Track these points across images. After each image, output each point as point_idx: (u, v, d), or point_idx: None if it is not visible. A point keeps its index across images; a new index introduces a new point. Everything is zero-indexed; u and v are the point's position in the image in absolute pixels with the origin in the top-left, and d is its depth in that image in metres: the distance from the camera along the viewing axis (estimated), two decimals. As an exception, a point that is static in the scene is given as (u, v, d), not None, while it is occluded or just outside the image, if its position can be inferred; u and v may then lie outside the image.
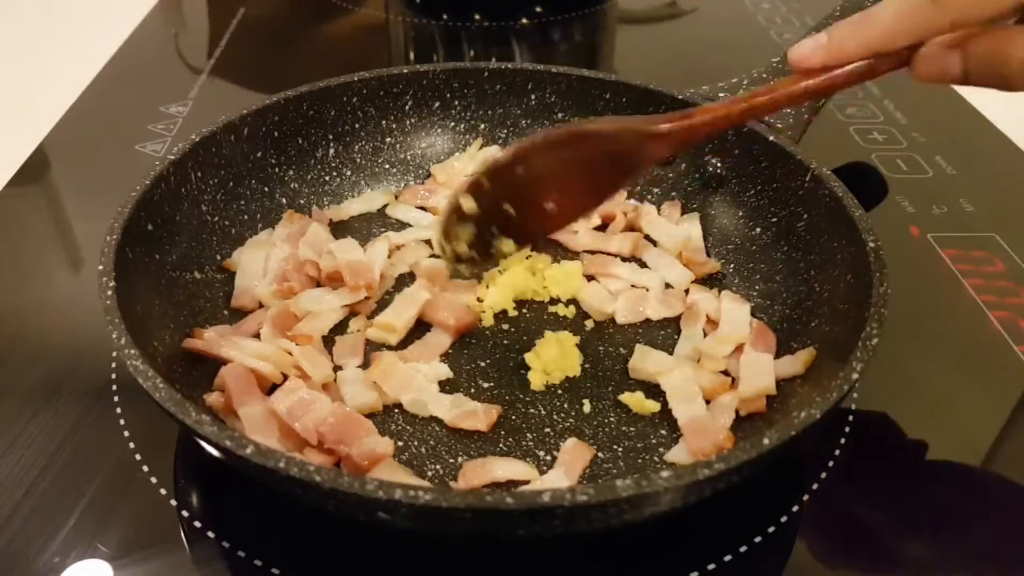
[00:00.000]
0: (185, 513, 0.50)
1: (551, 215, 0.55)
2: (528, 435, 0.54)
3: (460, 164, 0.76)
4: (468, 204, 0.55)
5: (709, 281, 0.66)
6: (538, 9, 1.13)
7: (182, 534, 0.49)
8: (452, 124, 0.77)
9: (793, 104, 0.51)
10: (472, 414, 0.54)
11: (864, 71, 0.47)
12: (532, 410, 0.56)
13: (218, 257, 0.65)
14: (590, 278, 0.66)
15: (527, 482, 0.51)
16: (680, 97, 0.71)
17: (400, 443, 0.53)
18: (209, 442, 0.41)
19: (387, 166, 0.76)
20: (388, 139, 0.75)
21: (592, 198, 0.55)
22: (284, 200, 0.71)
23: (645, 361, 0.58)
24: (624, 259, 0.68)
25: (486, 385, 0.58)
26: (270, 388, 0.55)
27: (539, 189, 0.54)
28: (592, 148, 0.52)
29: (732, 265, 0.67)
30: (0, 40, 1.07)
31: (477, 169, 0.54)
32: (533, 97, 0.76)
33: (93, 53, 1.01)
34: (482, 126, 0.77)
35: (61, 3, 1.17)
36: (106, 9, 1.14)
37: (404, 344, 0.60)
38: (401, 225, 0.72)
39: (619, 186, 0.56)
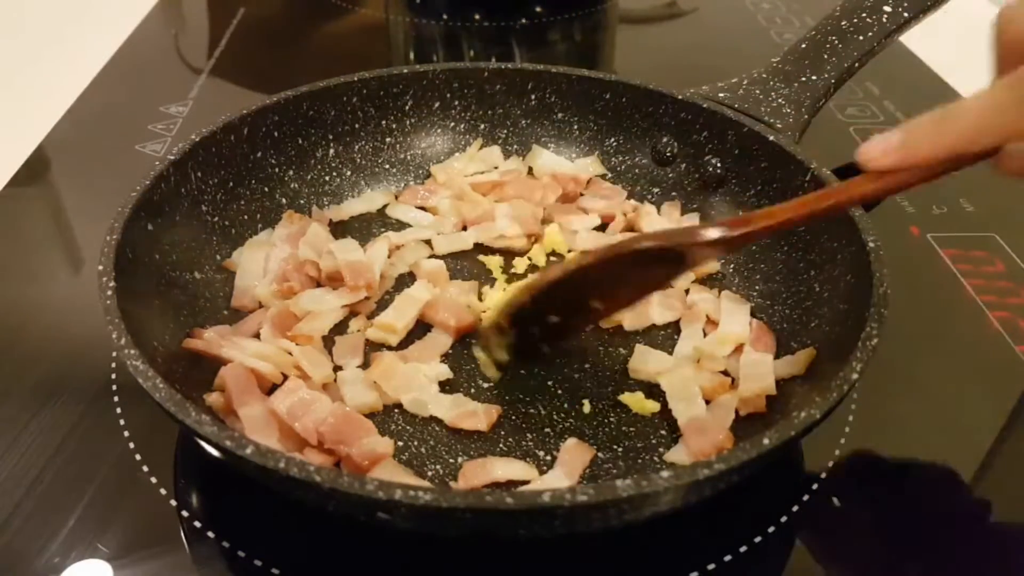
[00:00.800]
0: (185, 513, 0.50)
1: (596, 313, 0.57)
2: (528, 435, 0.54)
3: (460, 164, 0.76)
4: (505, 332, 0.56)
5: (709, 281, 0.66)
6: (538, 9, 1.13)
7: (182, 534, 0.49)
8: (452, 124, 0.77)
9: (856, 205, 0.50)
10: (472, 414, 0.54)
11: (940, 169, 0.44)
12: (532, 410, 0.56)
13: (218, 257, 0.65)
14: None
15: (527, 482, 0.51)
16: (680, 97, 0.71)
17: (400, 443, 0.53)
18: (209, 442, 0.41)
19: (387, 166, 0.76)
20: (388, 139, 0.75)
21: (641, 293, 0.56)
22: (284, 200, 0.70)
23: (645, 361, 0.58)
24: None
25: (486, 385, 0.58)
26: (270, 388, 0.55)
27: (585, 298, 0.54)
28: (643, 259, 0.51)
29: (732, 265, 0.67)
30: (0, 40, 1.07)
31: (518, 295, 0.54)
32: (533, 97, 0.76)
33: (93, 53, 1.01)
34: (482, 126, 0.77)
35: (61, 3, 1.17)
36: (106, 9, 1.14)
37: (404, 344, 0.60)
38: (401, 225, 0.72)
39: (669, 283, 0.58)
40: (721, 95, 0.72)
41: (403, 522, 0.41)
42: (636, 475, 0.39)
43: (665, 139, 0.73)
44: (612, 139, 0.76)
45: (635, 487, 0.39)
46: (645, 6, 1.22)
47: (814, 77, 0.72)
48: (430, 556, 0.48)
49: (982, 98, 0.41)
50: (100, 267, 0.50)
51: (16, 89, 0.97)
